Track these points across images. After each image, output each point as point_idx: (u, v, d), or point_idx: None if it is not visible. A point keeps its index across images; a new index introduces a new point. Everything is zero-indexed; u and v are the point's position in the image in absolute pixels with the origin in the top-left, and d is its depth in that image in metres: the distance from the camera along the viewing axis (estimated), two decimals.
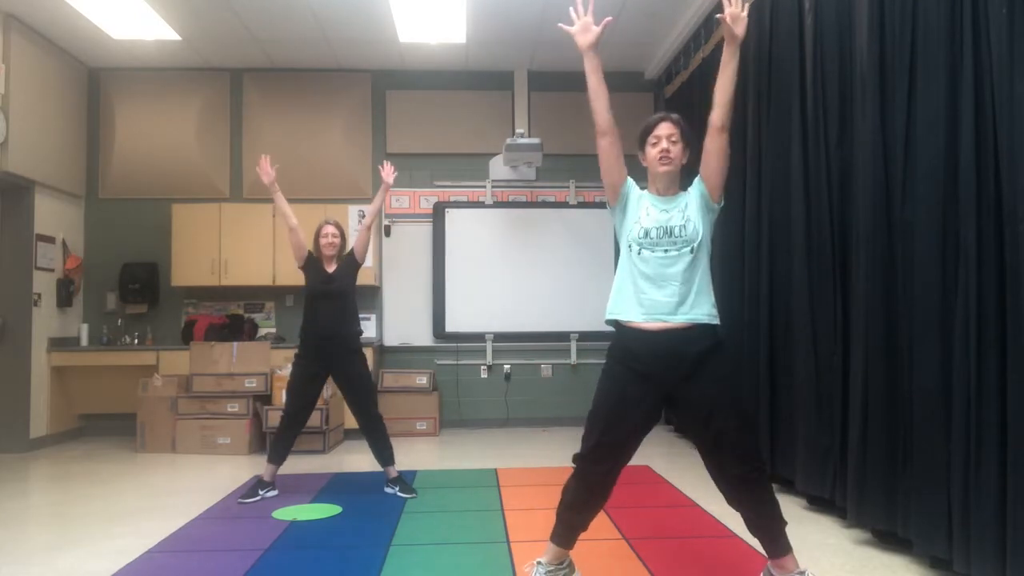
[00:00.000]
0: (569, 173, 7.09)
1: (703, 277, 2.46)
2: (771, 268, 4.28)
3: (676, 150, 2.48)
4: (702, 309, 2.43)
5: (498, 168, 6.95)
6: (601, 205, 7.02)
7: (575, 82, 7.04)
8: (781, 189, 4.17)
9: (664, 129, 2.50)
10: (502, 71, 7.05)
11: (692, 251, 2.43)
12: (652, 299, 2.41)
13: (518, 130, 6.79)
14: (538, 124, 7.04)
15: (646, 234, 2.46)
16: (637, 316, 2.43)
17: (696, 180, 2.52)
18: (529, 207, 7.06)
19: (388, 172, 4.44)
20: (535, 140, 6.49)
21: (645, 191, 2.58)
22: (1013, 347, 2.45)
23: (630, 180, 2.57)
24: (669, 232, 2.44)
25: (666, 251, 2.43)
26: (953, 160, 2.76)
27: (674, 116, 2.55)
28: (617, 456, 2.46)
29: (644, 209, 2.50)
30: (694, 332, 2.40)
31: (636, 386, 2.41)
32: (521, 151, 6.49)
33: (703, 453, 2.49)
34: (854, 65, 3.48)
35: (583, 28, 2.49)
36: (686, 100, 6.10)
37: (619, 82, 7.16)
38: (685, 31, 5.92)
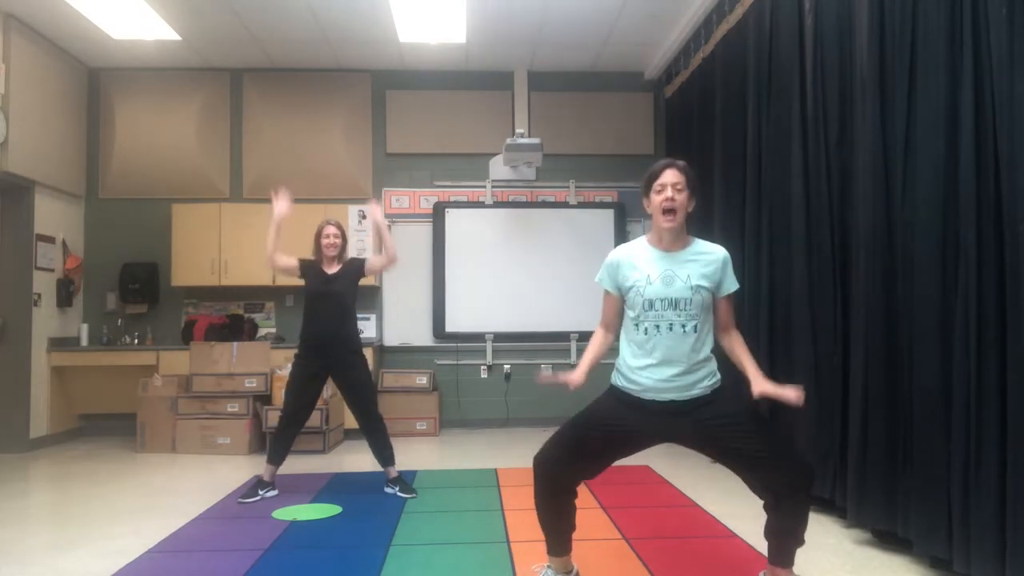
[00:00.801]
0: (569, 173, 7.09)
1: (707, 346, 2.42)
2: (771, 268, 4.28)
3: (681, 199, 2.39)
4: (706, 382, 2.39)
5: (498, 168, 6.95)
6: (601, 205, 7.03)
7: (575, 82, 7.16)
8: (781, 189, 4.17)
9: (669, 176, 2.39)
10: (502, 71, 7.05)
11: (696, 329, 2.37)
12: (658, 379, 2.36)
13: (518, 130, 6.78)
14: (538, 124, 7.04)
15: (651, 305, 2.38)
16: (641, 393, 2.40)
17: (722, 265, 2.45)
18: (529, 207, 7.06)
19: (376, 211, 4.41)
20: (535, 140, 6.48)
21: (641, 243, 2.51)
22: (1013, 347, 2.45)
23: (615, 270, 2.50)
24: (675, 304, 2.36)
25: (671, 327, 2.35)
26: (953, 160, 2.76)
27: (680, 163, 2.45)
28: (577, 465, 2.44)
29: (645, 274, 2.41)
30: (701, 399, 2.38)
31: (624, 416, 2.40)
32: (521, 151, 6.48)
33: (744, 471, 2.41)
34: (854, 65, 3.48)
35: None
36: (686, 100, 6.10)
37: (619, 82, 7.22)
38: (685, 31, 5.92)
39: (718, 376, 2.43)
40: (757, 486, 2.40)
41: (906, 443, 3.00)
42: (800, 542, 2.42)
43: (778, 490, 2.33)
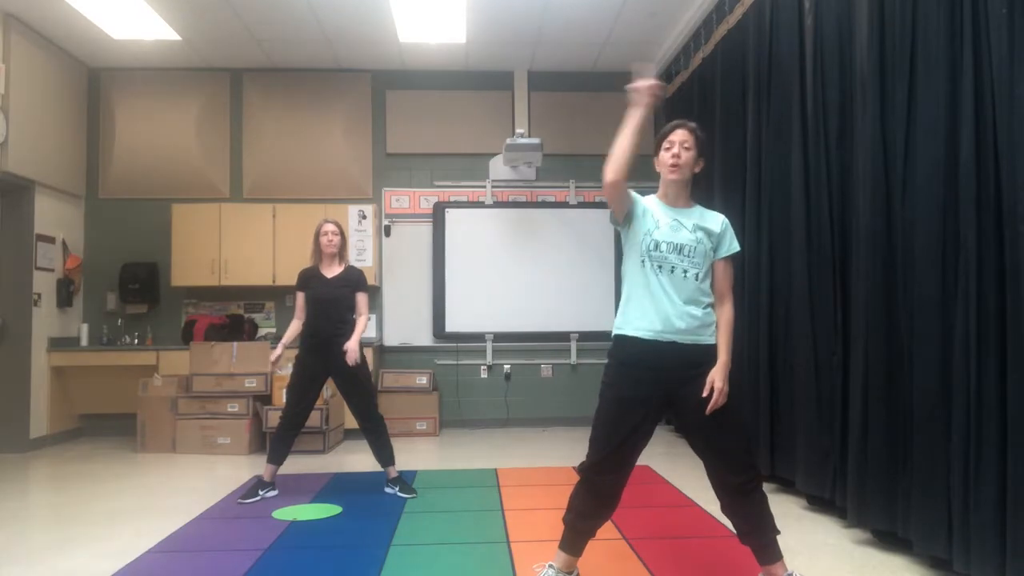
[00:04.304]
0: (569, 173, 7.09)
1: (707, 299, 2.49)
2: (771, 268, 4.28)
3: (687, 156, 2.48)
4: (709, 331, 2.46)
5: (498, 168, 6.95)
6: (601, 205, 7.02)
7: (575, 82, 7.18)
8: (781, 189, 4.17)
9: (679, 135, 2.50)
10: (502, 71, 7.05)
11: (698, 277, 2.45)
12: (663, 318, 2.42)
13: (518, 130, 6.79)
14: (538, 124, 7.04)
15: (656, 246, 2.45)
16: (646, 334, 2.43)
17: (723, 226, 2.53)
18: (529, 207, 7.06)
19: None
20: (535, 140, 6.49)
21: (652, 197, 2.57)
22: (1013, 347, 2.45)
23: (635, 196, 2.54)
24: (679, 249, 2.45)
25: (672, 269, 2.43)
26: (953, 160, 2.76)
27: (691, 124, 2.54)
28: (623, 464, 2.46)
29: (653, 219, 2.49)
30: (699, 350, 2.44)
31: (638, 392, 2.43)
32: (521, 151, 6.49)
33: (702, 459, 2.51)
34: (854, 65, 3.48)
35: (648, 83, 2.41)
36: (686, 100, 6.10)
37: (619, 82, 7.17)
38: (685, 31, 5.92)
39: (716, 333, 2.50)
40: (715, 480, 2.48)
41: (906, 443, 3.00)
42: (776, 532, 2.45)
43: (732, 485, 2.43)
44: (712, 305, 2.51)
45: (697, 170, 2.54)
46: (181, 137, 6.78)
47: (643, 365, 2.43)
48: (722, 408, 2.38)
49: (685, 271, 2.44)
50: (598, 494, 2.48)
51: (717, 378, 2.39)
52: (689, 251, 2.45)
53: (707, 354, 2.44)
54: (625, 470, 2.47)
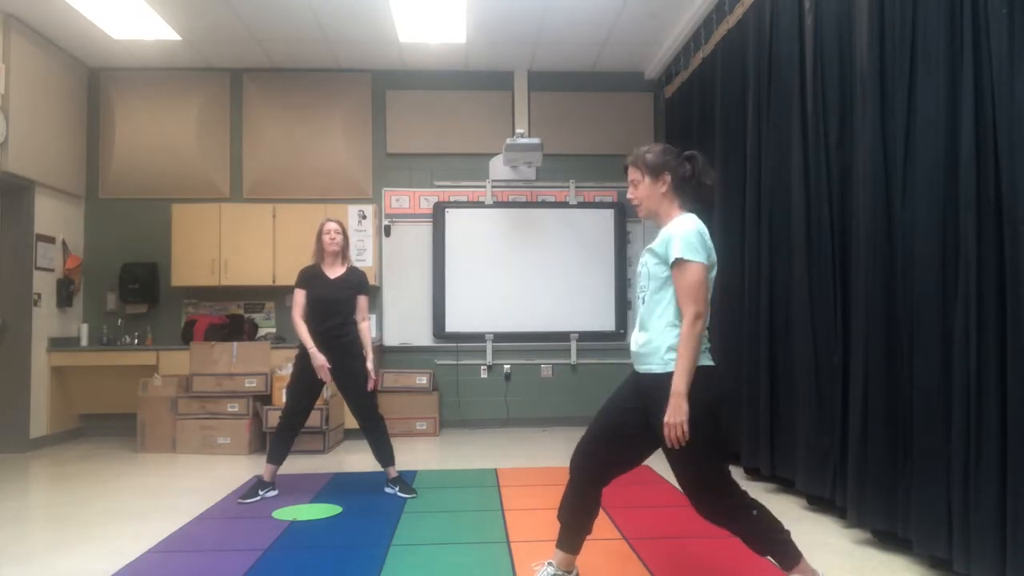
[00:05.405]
0: (569, 173, 7.09)
1: (659, 322, 2.35)
2: (771, 268, 4.28)
3: (637, 194, 2.47)
4: (654, 358, 2.35)
5: (498, 168, 6.95)
6: (601, 205, 7.03)
7: (575, 82, 7.18)
8: (781, 189, 4.17)
9: (629, 176, 2.51)
10: (502, 71, 7.05)
11: (643, 301, 2.44)
12: (632, 346, 2.49)
13: (518, 130, 6.79)
14: (538, 124, 7.04)
15: (637, 281, 2.54)
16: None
17: (665, 237, 2.35)
18: (529, 207, 7.06)
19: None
20: (535, 140, 6.48)
21: None
22: (1013, 347, 2.45)
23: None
24: (640, 278, 2.50)
25: (640, 299, 2.48)
26: (953, 160, 2.76)
27: (631, 156, 2.48)
28: (600, 452, 2.47)
29: None
30: (648, 379, 2.37)
31: (623, 388, 2.52)
32: (521, 151, 6.49)
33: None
34: (854, 65, 3.48)
35: None
36: (686, 100, 6.10)
37: (619, 82, 7.23)
38: (685, 31, 5.92)
39: (671, 362, 2.28)
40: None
41: (906, 443, 3.00)
42: (773, 544, 2.42)
43: (703, 513, 2.45)
44: (673, 324, 2.33)
45: (664, 189, 2.41)
46: (181, 137, 6.78)
47: (632, 382, 2.50)
48: (686, 443, 2.23)
49: (642, 298, 2.46)
50: (578, 481, 2.50)
51: (667, 414, 2.22)
52: (644, 276, 2.45)
53: (653, 384, 2.31)
54: (601, 456, 2.47)
